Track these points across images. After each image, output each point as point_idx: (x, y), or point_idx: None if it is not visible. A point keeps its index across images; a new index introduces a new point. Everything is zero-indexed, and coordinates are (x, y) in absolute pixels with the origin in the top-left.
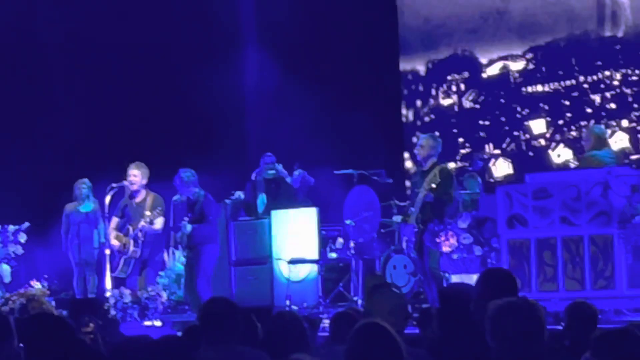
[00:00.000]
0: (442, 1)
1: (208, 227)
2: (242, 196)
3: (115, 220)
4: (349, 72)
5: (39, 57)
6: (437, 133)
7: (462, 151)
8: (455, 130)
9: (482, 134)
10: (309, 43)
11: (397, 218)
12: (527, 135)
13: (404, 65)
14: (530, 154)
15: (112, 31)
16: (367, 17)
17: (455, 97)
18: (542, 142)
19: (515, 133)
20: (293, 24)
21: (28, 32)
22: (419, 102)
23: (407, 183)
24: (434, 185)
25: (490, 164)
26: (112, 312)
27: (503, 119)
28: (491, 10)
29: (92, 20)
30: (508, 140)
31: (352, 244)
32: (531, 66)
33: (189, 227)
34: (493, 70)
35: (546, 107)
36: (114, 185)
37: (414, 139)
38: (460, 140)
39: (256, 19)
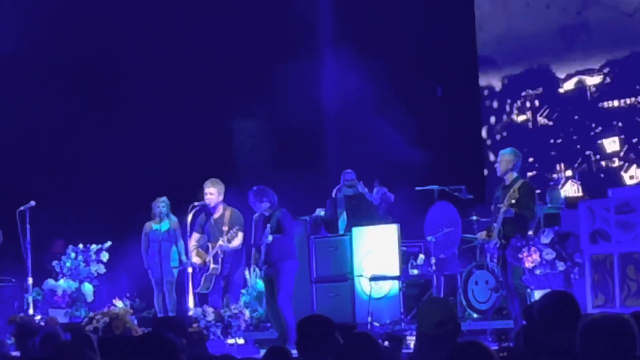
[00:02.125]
0: (520, 16)
1: (286, 239)
2: (323, 213)
3: (195, 236)
4: (429, 88)
5: (119, 77)
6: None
7: (530, 174)
8: (525, 150)
9: (553, 153)
10: (388, 58)
11: (481, 234)
12: (598, 156)
13: (481, 81)
14: (602, 175)
15: (188, 48)
16: (447, 31)
17: (529, 114)
18: (616, 161)
19: (587, 152)
20: (372, 40)
21: (109, 55)
22: (492, 119)
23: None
24: (513, 201)
25: (559, 188)
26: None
27: (575, 137)
28: (568, 24)
29: (169, 37)
30: (580, 159)
31: (433, 260)
32: (608, 80)
33: (270, 238)
34: (569, 85)
35: (620, 125)
36: (196, 203)
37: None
38: (530, 160)
39: (333, 36)
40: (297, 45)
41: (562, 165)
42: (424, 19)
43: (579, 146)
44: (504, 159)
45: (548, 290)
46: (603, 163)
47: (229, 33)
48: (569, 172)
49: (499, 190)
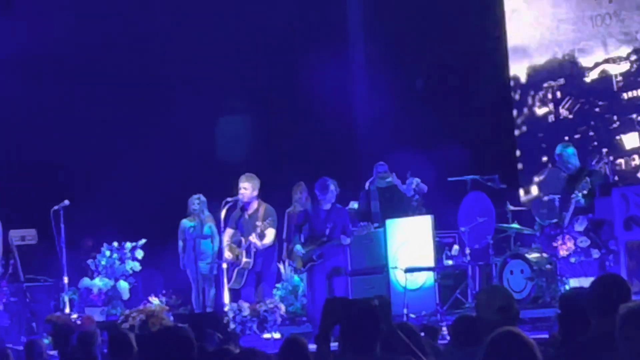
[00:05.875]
0: (551, 6)
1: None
2: (356, 206)
3: (229, 232)
4: (460, 78)
5: (151, 74)
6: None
7: (536, 179)
8: (544, 145)
9: None
10: (418, 49)
11: (552, 221)
12: (611, 157)
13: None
14: (615, 177)
15: (218, 44)
16: (477, 22)
17: (551, 106)
18: (636, 159)
19: (605, 150)
20: (402, 33)
21: (141, 54)
22: (514, 112)
23: (521, 191)
24: (585, 192)
25: None
26: (232, 325)
27: (592, 133)
28: (600, 13)
29: (199, 35)
30: (597, 158)
31: (467, 251)
32: (634, 68)
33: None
34: (595, 74)
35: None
36: (229, 199)
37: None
38: (544, 159)
39: (364, 29)
40: (327, 39)
41: None
42: (454, 10)
43: (595, 143)
44: (561, 153)
45: (583, 278)
46: (620, 161)
47: (259, 29)
48: None
49: (564, 180)
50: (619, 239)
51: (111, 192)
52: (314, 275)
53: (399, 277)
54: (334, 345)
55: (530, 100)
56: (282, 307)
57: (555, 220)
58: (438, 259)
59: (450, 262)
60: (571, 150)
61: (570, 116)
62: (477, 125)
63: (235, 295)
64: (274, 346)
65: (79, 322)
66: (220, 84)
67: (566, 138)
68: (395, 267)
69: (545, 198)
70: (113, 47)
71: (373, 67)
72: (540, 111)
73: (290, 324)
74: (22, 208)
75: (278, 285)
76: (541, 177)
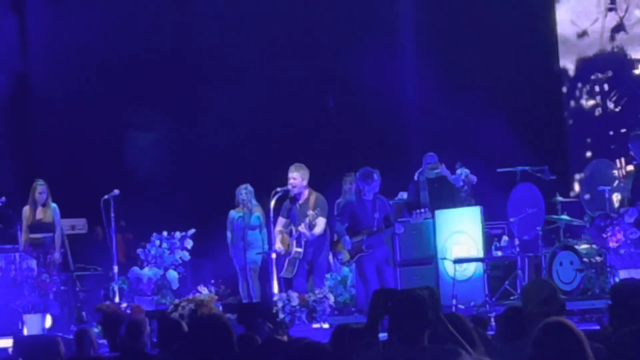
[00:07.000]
0: None
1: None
2: (405, 197)
3: (281, 221)
4: (510, 69)
5: (198, 62)
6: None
7: (578, 175)
8: (588, 140)
9: (613, 146)
10: (468, 39)
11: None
12: None
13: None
14: None
15: (268, 33)
16: (527, 13)
17: (598, 99)
18: None
19: None
20: (451, 23)
21: (187, 40)
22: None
23: (576, 182)
24: None
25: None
26: (280, 315)
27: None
28: None
29: (249, 23)
30: None
31: (517, 242)
32: None
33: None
34: None
35: None
36: (278, 189)
37: None
38: (588, 154)
39: (413, 19)
40: (377, 29)
41: (623, 160)
42: (504, 1)
43: None
44: (635, 146)
45: (633, 269)
46: None
47: (310, 19)
48: (630, 168)
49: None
50: None
51: (161, 181)
52: (364, 265)
53: (448, 268)
54: (382, 335)
55: (577, 93)
56: (331, 297)
57: (621, 210)
58: (487, 250)
59: (499, 253)
60: None
61: (617, 109)
62: (527, 116)
63: (286, 285)
64: (323, 336)
65: (128, 311)
66: (270, 74)
67: (611, 133)
68: (445, 258)
69: (587, 196)
70: (160, 36)
71: (423, 57)
72: (588, 103)
73: (339, 314)
74: (72, 197)
75: (327, 275)
76: (582, 175)
